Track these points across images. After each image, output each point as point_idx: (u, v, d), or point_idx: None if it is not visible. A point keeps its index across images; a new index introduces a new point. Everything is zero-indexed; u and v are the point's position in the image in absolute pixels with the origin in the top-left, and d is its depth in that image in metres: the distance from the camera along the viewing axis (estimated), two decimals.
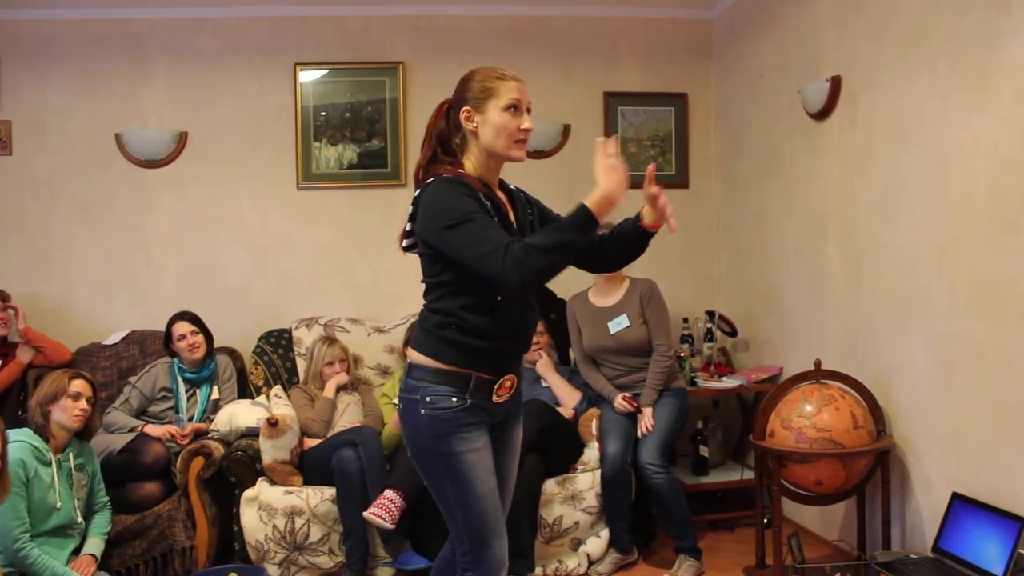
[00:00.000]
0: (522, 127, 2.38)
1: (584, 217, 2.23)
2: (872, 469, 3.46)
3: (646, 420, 3.95)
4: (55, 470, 3.20)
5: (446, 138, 2.40)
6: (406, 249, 2.40)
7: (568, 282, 4.69)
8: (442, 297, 2.30)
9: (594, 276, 4.25)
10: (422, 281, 2.38)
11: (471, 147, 2.38)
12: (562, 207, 4.98)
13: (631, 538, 3.95)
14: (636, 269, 4.33)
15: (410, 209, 2.32)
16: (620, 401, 4.04)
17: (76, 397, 3.29)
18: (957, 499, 3.10)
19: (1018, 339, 2.86)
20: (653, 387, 4.04)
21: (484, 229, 2.16)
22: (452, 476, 2.28)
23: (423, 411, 2.27)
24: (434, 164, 2.35)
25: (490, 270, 2.11)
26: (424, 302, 2.37)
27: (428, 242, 2.25)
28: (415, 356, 2.34)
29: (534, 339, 4.28)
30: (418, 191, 2.30)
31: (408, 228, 2.33)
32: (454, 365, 2.28)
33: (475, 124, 2.34)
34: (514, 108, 2.36)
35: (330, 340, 4.35)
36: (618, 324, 4.14)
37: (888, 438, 3.49)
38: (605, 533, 3.93)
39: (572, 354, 4.47)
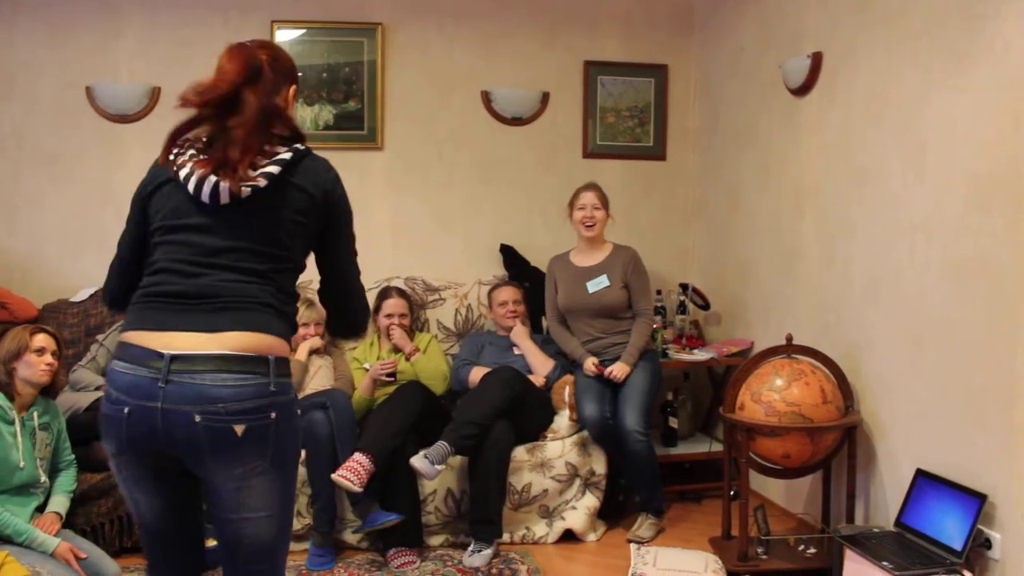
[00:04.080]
0: None
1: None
2: (839, 444, 3.50)
3: (616, 371, 4.02)
4: (18, 428, 3.16)
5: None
6: (244, 195, 1.95)
7: (543, 250, 4.70)
8: (290, 282, 2.08)
9: (576, 239, 4.32)
10: (269, 255, 2.00)
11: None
12: (540, 174, 5.03)
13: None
14: (611, 238, 4.35)
15: (280, 163, 1.99)
16: (589, 364, 4.07)
17: (40, 352, 3.24)
18: (921, 475, 3.15)
19: (987, 319, 2.89)
20: (637, 347, 4.11)
21: None
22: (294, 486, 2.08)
23: (298, 412, 2.03)
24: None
25: (359, 290, 2.26)
26: (263, 281, 1.99)
27: (335, 226, 2.13)
28: (278, 345, 1.96)
29: (510, 307, 4.32)
30: (303, 149, 2.05)
31: (273, 172, 1.96)
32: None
33: (290, 108, 2.15)
34: None
35: (308, 303, 4.32)
36: (598, 284, 4.18)
37: (856, 414, 3.52)
38: (582, 503, 3.96)
39: (544, 321, 4.48)
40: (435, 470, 3.58)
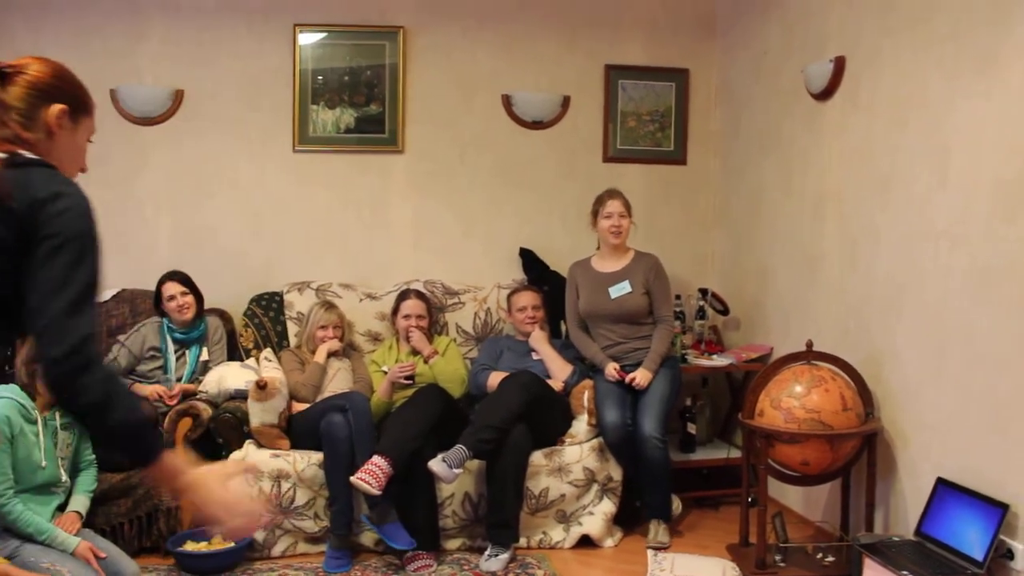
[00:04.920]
0: (84, 169, 1.86)
1: (146, 448, 1.63)
2: (859, 451, 3.47)
3: (639, 378, 4.01)
4: (40, 428, 3.18)
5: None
6: None
7: (562, 254, 4.71)
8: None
9: (597, 244, 4.35)
10: None
11: (41, 150, 1.71)
12: (560, 178, 5.02)
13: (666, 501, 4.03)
14: (630, 243, 4.34)
15: None
16: (610, 369, 4.06)
17: None
18: (941, 484, 3.11)
19: (1012, 327, 2.86)
20: (659, 353, 4.11)
21: (95, 290, 1.62)
22: None
23: None
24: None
25: (68, 333, 1.54)
26: None
27: (39, 251, 1.56)
28: None
29: (529, 312, 4.32)
30: (30, 158, 1.67)
31: None
32: None
33: (62, 130, 1.76)
34: (87, 143, 1.87)
35: (328, 305, 4.34)
36: (620, 289, 4.19)
37: (876, 421, 3.49)
38: (600, 508, 3.95)
39: (563, 326, 4.47)
40: (453, 474, 3.58)
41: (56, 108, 1.74)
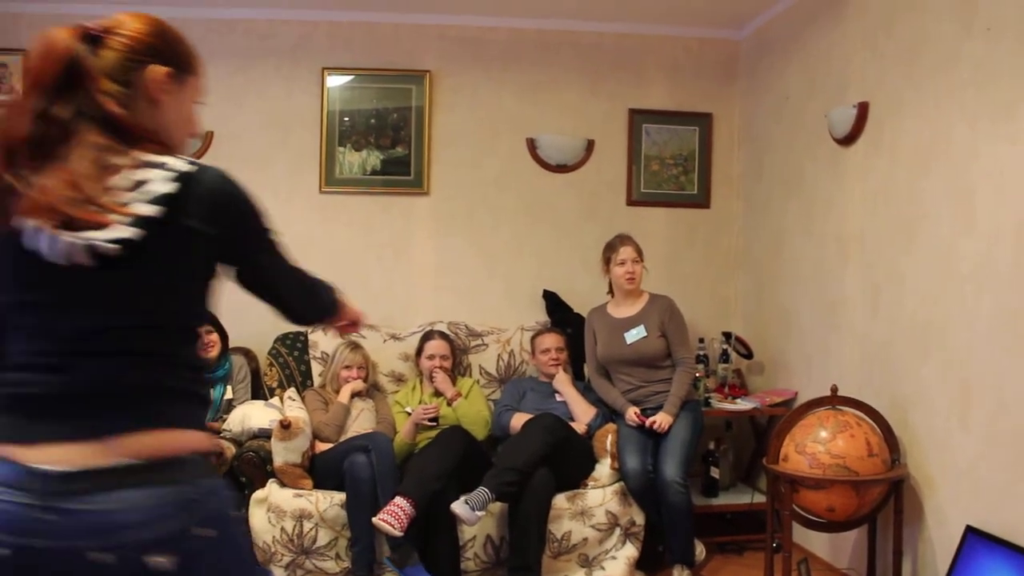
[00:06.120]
0: (196, 133, 1.69)
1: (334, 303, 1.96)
2: (885, 498, 3.43)
3: (660, 421, 3.98)
4: None
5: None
6: (111, 256, 1.35)
7: (584, 296, 4.72)
8: (194, 349, 1.52)
9: (615, 289, 4.32)
10: (162, 327, 1.45)
11: (143, 121, 1.48)
12: (584, 220, 5.06)
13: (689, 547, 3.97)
14: (653, 286, 4.35)
15: (159, 201, 1.38)
16: (630, 414, 4.04)
17: None
18: (971, 532, 3.07)
19: None
20: (678, 396, 4.08)
21: None
22: None
23: (236, 526, 1.50)
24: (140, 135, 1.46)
25: (316, 307, 1.84)
26: (160, 361, 1.44)
27: (245, 252, 1.59)
28: (194, 439, 1.45)
29: (553, 354, 4.32)
30: (188, 168, 1.45)
31: (149, 216, 1.36)
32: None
33: (168, 95, 1.54)
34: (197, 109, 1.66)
35: (354, 345, 4.36)
36: (635, 334, 4.18)
37: (903, 467, 3.46)
38: (622, 553, 3.90)
39: (586, 369, 4.47)
40: (476, 516, 3.56)
41: (159, 71, 1.51)
